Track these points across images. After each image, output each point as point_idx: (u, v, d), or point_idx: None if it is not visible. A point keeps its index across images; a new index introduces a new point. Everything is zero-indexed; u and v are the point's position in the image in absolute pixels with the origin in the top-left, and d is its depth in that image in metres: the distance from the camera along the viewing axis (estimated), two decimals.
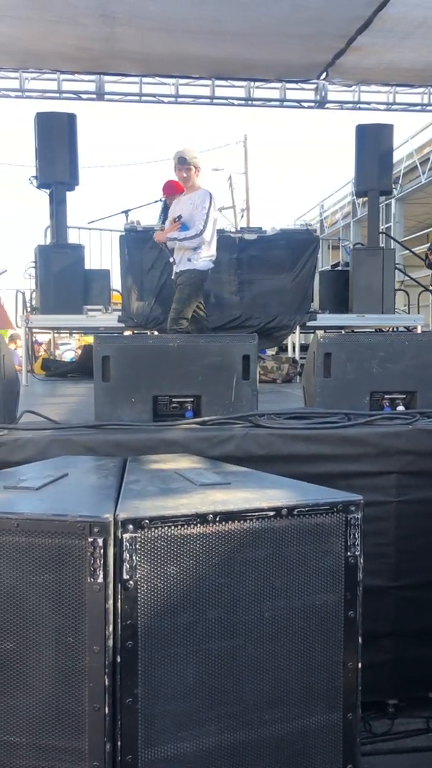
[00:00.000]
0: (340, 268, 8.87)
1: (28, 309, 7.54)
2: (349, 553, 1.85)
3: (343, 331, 7.81)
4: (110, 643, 1.65)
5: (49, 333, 9.70)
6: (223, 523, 1.72)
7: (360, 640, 1.87)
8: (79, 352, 9.83)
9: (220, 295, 6.72)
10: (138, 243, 6.63)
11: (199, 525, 1.70)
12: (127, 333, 7.30)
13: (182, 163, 5.43)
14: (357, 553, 1.86)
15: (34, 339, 9.24)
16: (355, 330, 7.73)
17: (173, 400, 3.07)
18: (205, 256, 5.48)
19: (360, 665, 1.87)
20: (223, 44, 7.17)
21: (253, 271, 6.78)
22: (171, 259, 5.58)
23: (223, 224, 14.48)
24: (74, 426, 2.98)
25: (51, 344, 10.17)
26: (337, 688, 1.85)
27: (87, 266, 7.50)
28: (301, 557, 1.81)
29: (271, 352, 7.32)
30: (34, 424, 3.00)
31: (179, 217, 5.42)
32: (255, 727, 1.76)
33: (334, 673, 1.84)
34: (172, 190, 7.25)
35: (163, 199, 7.20)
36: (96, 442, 2.76)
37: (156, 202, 7.17)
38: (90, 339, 9.49)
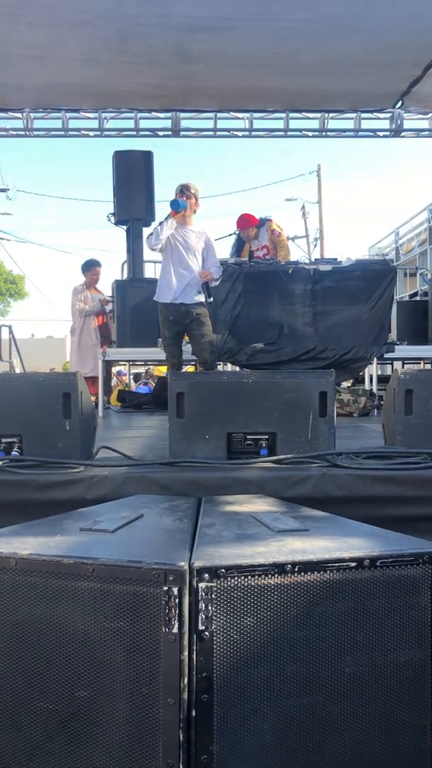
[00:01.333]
0: (418, 297, 8.68)
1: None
2: None
3: (422, 363, 7.62)
4: (185, 696, 1.60)
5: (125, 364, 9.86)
6: (302, 573, 1.65)
7: None
8: (153, 383, 9.96)
9: (294, 327, 6.66)
10: None
11: (276, 575, 1.64)
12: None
13: (182, 192, 5.45)
14: None
15: (118, 371, 9.43)
16: None
17: (248, 437, 3.03)
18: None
19: None
20: (300, 77, 7.18)
21: (328, 303, 6.69)
22: (210, 299, 5.75)
23: (297, 255, 14.46)
24: (149, 463, 2.97)
25: (129, 375, 10.36)
26: (424, 752, 1.73)
27: None
28: (384, 611, 1.71)
29: (347, 384, 7.18)
30: (110, 461, 3.01)
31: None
32: None
33: (420, 737, 1.73)
34: (245, 224, 7.30)
35: (236, 232, 7.25)
36: (170, 480, 2.74)
37: (230, 235, 7.23)
38: (164, 369, 9.58)
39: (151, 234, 5.55)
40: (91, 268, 8.03)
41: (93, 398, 7.62)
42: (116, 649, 1.63)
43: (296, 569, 1.65)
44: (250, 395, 3.04)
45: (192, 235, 5.55)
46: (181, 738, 1.59)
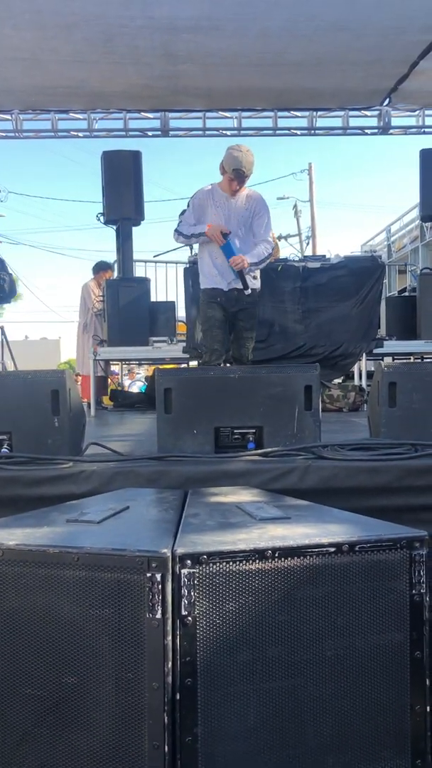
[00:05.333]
0: (407, 293, 8.74)
1: (97, 341, 7.72)
2: (414, 591, 1.79)
3: (411, 358, 7.67)
4: (169, 680, 1.64)
5: (118, 364, 9.89)
6: (283, 559, 1.69)
7: (428, 682, 1.80)
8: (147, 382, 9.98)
9: (284, 324, 6.71)
10: None
11: (257, 561, 1.68)
12: (193, 363, 7.37)
13: (240, 177, 4.56)
14: (422, 590, 1.80)
15: (111, 370, 9.47)
16: (425, 357, 7.58)
17: (235, 431, 3.06)
18: None
19: (429, 709, 1.80)
20: (286, 75, 7.23)
21: (317, 300, 6.75)
22: (247, 291, 4.69)
23: (289, 252, 14.53)
24: (137, 458, 3.00)
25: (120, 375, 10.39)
26: (405, 732, 1.78)
27: (152, 298, 7.62)
28: (363, 595, 1.76)
29: (337, 380, 7.23)
30: (99, 456, 3.04)
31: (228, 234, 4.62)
32: None
33: (401, 717, 1.77)
34: None
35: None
36: (158, 474, 2.77)
37: None
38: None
39: (180, 231, 4.74)
40: (105, 270, 8.08)
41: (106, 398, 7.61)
42: (101, 636, 1.67)
43: (276, 555, 1.69)
44: (237, 390, 3.07)
45: (241, 208, 4.65)
46: (166, 721, 1.63)
